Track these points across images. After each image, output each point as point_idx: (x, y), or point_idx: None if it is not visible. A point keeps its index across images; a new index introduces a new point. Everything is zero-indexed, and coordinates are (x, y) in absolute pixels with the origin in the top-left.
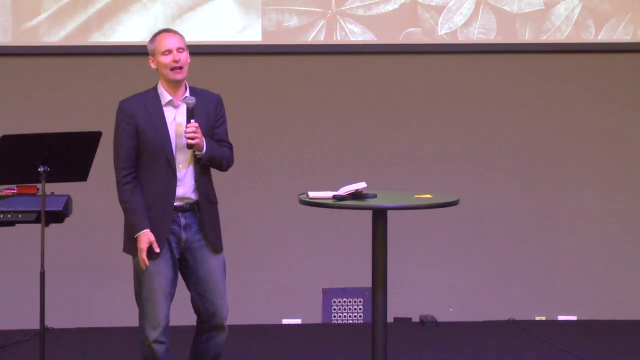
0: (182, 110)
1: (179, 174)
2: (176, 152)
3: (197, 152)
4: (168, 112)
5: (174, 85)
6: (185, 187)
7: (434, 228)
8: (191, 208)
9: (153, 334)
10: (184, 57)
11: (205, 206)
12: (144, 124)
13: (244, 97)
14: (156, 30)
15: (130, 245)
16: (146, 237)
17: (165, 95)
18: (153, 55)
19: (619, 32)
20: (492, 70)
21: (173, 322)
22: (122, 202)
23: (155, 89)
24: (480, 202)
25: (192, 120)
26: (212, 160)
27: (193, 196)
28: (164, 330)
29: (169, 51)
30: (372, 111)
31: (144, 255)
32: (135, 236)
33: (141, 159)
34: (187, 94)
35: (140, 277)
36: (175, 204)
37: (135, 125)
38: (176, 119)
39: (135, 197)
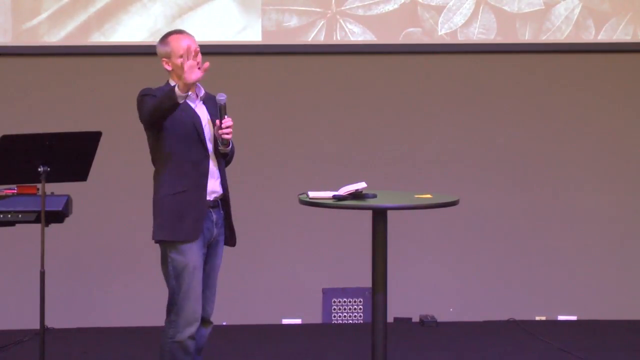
0: (200, 107)
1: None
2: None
3: (221, 147)
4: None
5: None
6: (214, 179)
7: (434, 228)
8: (218, 204)
9: (189, 330)
10: (200, 58)
11: (227, 201)
12: None
13: (244, 97)
14: (156, 30)
15: (165, 230)
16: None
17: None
18: (168, 57)
19: (619, 32)
20: (492, 70)
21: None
22: (150, 104)
23: (167, 85)
24: (480, 202)
25: (225, 117)
26: (231, 155)
27: (220, 189)
28: (198, 326)
29: None
30: (372, 111)
31: (189, 62)
32: (175, 90)
33: (172, 145)
34: (203, 91)
35: (180, 273)
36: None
37: None
38: (197, 109)
39: None
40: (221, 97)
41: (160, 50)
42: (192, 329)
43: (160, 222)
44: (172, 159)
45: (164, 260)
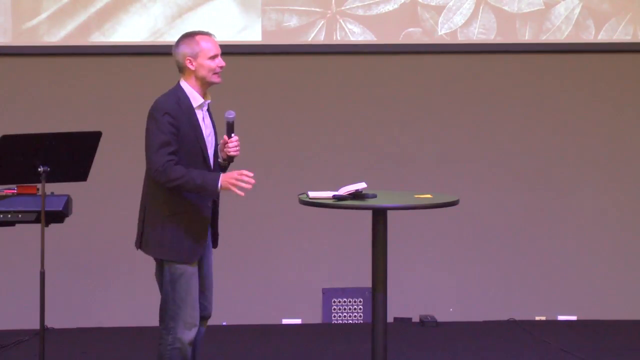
0: (206, 117)
1: None
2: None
3: (222, 162)
4: (197, 113)
5: (207, 87)
6: None
7: (434, 228)
8: (212, 206)
9: (189, 335)
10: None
11: (217, 204)
12: (182, 123)
13: (244, 97)
14: (156, 30)
15: (165, 249)
16: (229, 175)
17: (196, 98)
18: (194, 57)
19: (619, 32)
20: (492, 70)
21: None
22: (182, 175)
23: (180, 89)
24: (480, 202)
25: (232, 135)
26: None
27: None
28: (197, 331)
29: (216, 56)
30: (372, 111)
31: (245, 179)
32: (219, 184)
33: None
34: (209, 97)
35: (177, 279)
36: None
37: (178, 125)
38: (204, 120)
39: (189, 169)
40: (230, 115)
41: (186, 49)
42: (191, 334)
43: (161, 241)
44: None
45: (160, 267)
